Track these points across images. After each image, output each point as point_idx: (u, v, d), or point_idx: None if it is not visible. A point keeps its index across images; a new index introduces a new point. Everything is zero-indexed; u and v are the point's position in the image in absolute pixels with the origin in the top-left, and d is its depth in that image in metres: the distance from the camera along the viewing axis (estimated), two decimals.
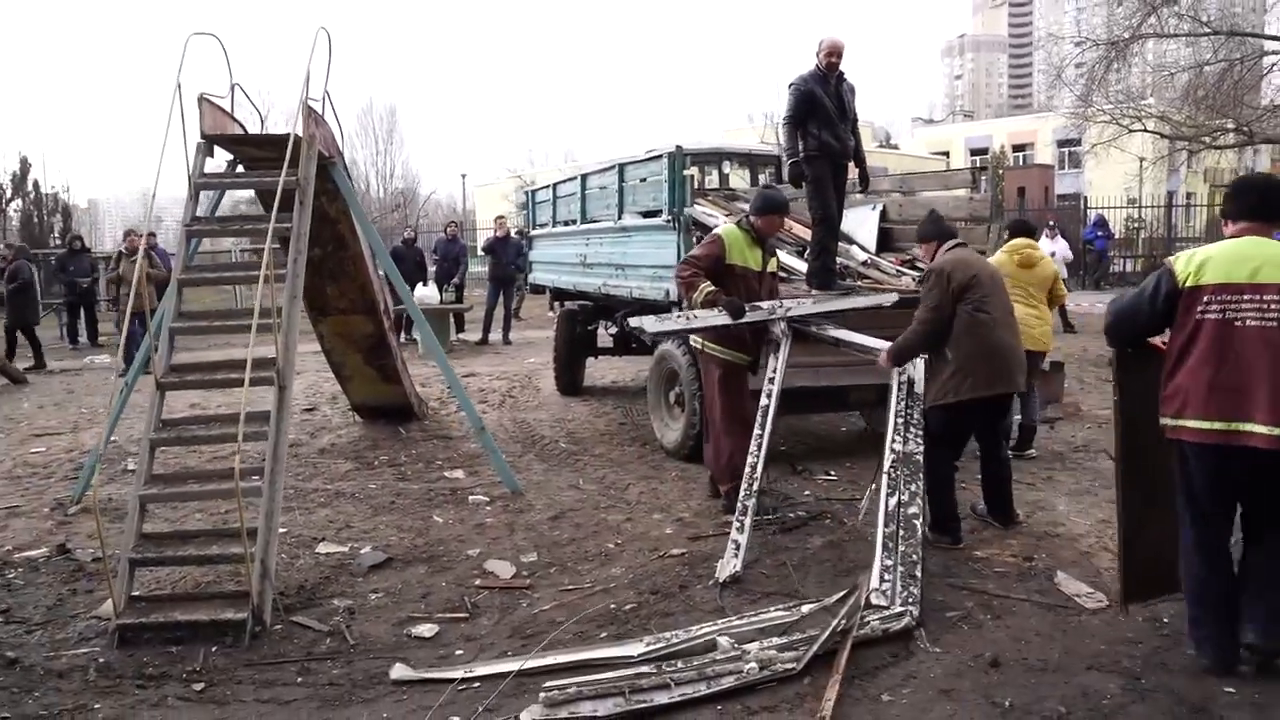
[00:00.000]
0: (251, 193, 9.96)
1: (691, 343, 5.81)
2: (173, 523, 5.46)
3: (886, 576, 4.04)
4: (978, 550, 4.74)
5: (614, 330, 9.06)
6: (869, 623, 3.77)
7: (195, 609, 4.02)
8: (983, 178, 7.15)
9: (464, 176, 43.38)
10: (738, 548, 4.56)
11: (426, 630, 4.00)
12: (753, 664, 3.44)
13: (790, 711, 3.25)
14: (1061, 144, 38.74)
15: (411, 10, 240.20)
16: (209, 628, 3.91)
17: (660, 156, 6.69)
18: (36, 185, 31.22)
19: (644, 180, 7.14)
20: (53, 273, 18.80)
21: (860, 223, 8.26)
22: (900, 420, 4.80)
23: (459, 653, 3.80)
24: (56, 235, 29.30)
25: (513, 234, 15.04)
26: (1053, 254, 13.73)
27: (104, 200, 76.71)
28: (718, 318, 5.28)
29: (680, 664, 3.42)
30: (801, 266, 6.87)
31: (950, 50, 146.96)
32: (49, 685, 3.60)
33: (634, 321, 5.28)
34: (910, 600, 3.95)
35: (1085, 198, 28.55)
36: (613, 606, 4.19)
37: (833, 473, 6.36)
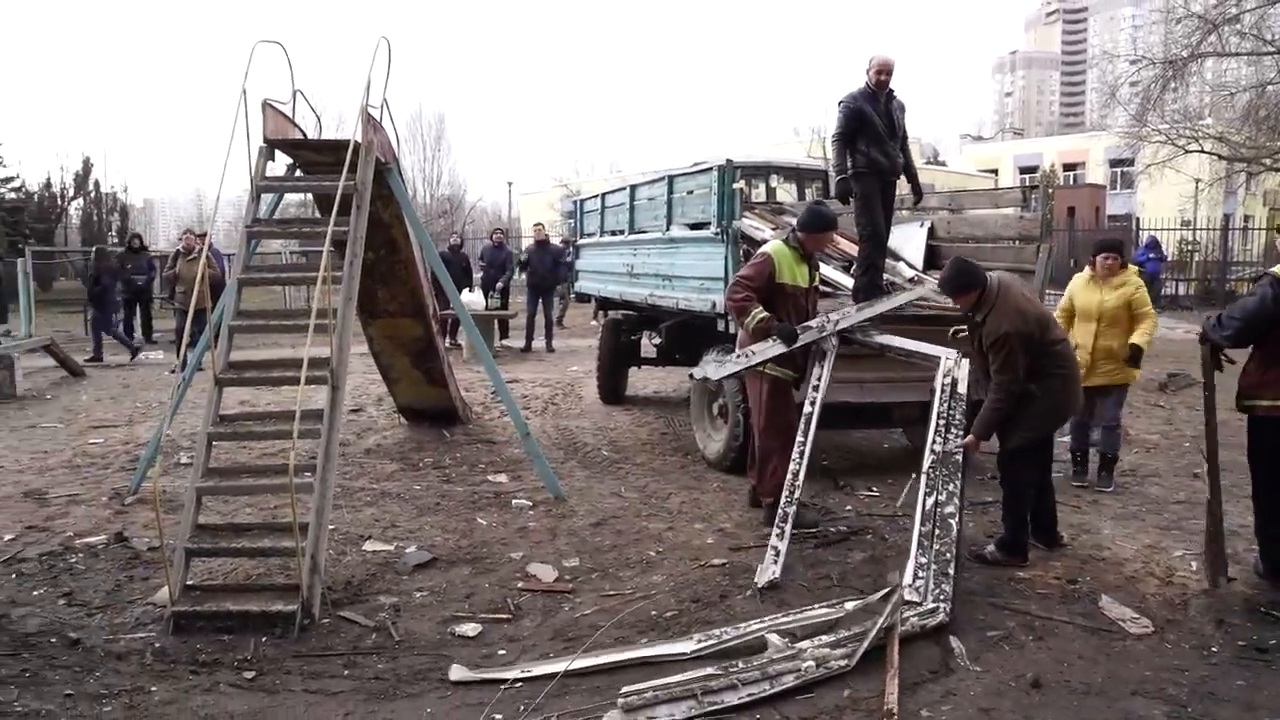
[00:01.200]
0: (300, 196, 10.18)
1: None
2: (224, 516, 5.60)
3: (920, 574, 4.20)
4: (1020, 571, 4.70)
5: (658, 340, 9.11)
6: (908, 619, 3.91)
7: (246, 600, 4.13)
8: (1033, 196, 7.10)
9: (510, 184, 43.86)
10: (777, 554, 4.63)
11: (470, 630, 4.08)
12: (810, 661, 3.55)
13: (852, 708, 3.33)
14: (1114, 164, 38.13)
15: (461, 19, 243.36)
16: (259, 618, 4.02)
17: (710, 169, 6.73)
18: (97, 185, 32.12)
19: (693, 192, 7.19)
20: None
21: (908, 239, 8.24)
22: (941, 421, 4.90)
23: (501, 653, 3.87)
24: (114, 234, 30.06)
25: (553, 241, 15.19)
26: None
27: (159, 200, 78.49)
28: (773, 348, 5.35)
29: (741, 663, 3.51)
30: (848, 282, 6.88)
31: (1001, 67, 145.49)
32: (108, 666, 3.73)
33: (696, 372, 5.34)
34: (942, 597, 4.07)
35: (1137, 219, 28.07)
36: (654, 613, 4.23)
37: (874, 489, 6.34)
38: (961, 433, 4.82)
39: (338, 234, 4.77)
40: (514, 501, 6.03)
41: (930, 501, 4.52)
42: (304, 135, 5.78)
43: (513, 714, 3.35)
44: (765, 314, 5.38)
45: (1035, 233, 6.86)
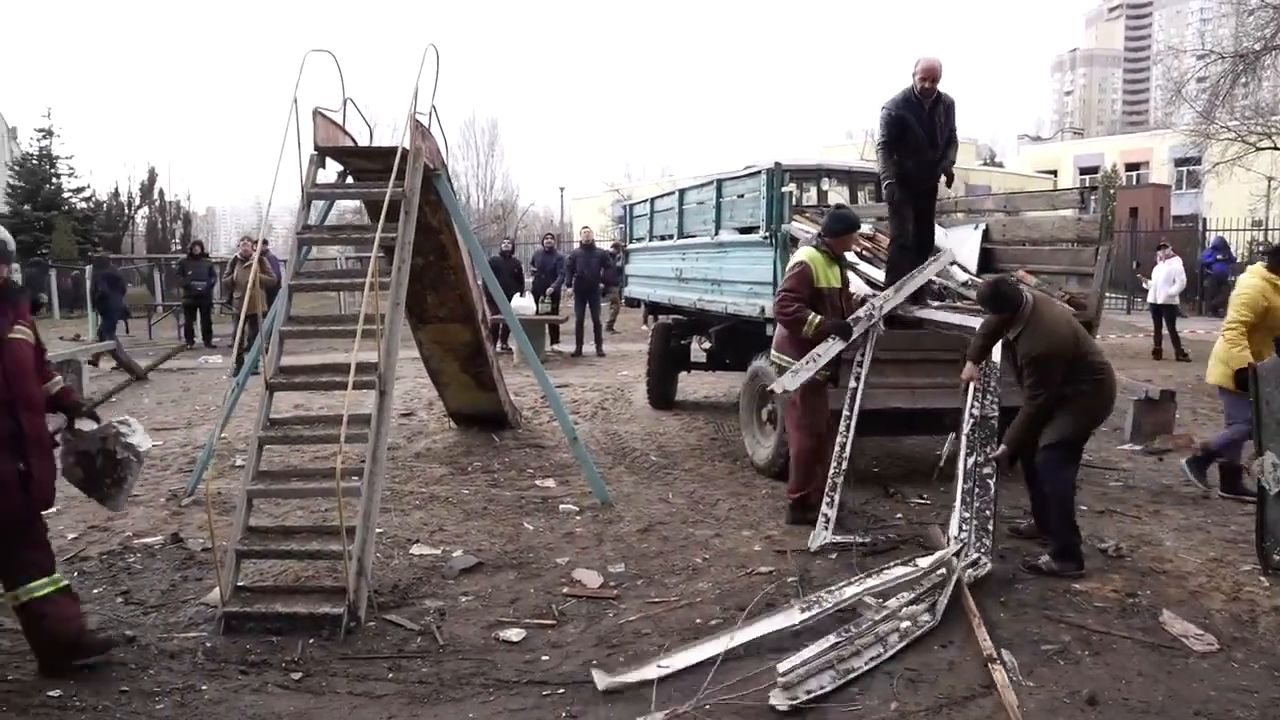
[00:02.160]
0: (357, 202, 10.35)
1: (773, 362, 5.84)
2: (275, 518, 5.70)
3: (964, 526, 4.62)
4: (1077, 583, 4.55)
5: (708, 345, 9.06)
6: (966, 571, 4.36)
7: (294, 602, 4.19)
8: (1092, 198, 6.90)
9: (562, 189, 44.17)
10: (828, 520, 5.11)
11: (514, 635, 4.08)
12: (906, 621, 3.99)
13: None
14: (1179, 163, 36.91)
15: (514, 25, 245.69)
16: (307, 620, 4.07)
17: (759, 173, 6.67)
18: (161, 194, 33.08)
19: (742, 196, 7.14)
20: (173, 276, 19.87)
21: (962, 242, 8.07)
22: (978, 387, 5.25)
23: (544, 659, 3.86)
24: (177, 241, 30.88)
25: (602, 245, 15.22)
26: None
27: (220, 207, 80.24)
28: (834, 345, 5.52)
29: (852, 627, 3.88)
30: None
31: (1060, 65, 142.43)
32: (162, 664, 3.82)
33: (775, 388, 5.46)
34: (984, 550, 4.56)
35: (1204, 219, 27.22)
36: (698, 621, 4.19)
37: (925, 496, 6.21)
38: (997, 399, 5.24)
39: (386, 240, 4.83)
40: (561, 506, 6.03)
41: (970, 461, 4.95)
42: (355, 143, 5.85)
43: (555, 718, 3.34)
44: (818, 317, 5.49)
45: (1094, 235, 6.67)
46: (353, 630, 4.06)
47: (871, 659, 3.72)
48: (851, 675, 3.61)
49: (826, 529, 5.08)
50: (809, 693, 3.46)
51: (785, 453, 6.46)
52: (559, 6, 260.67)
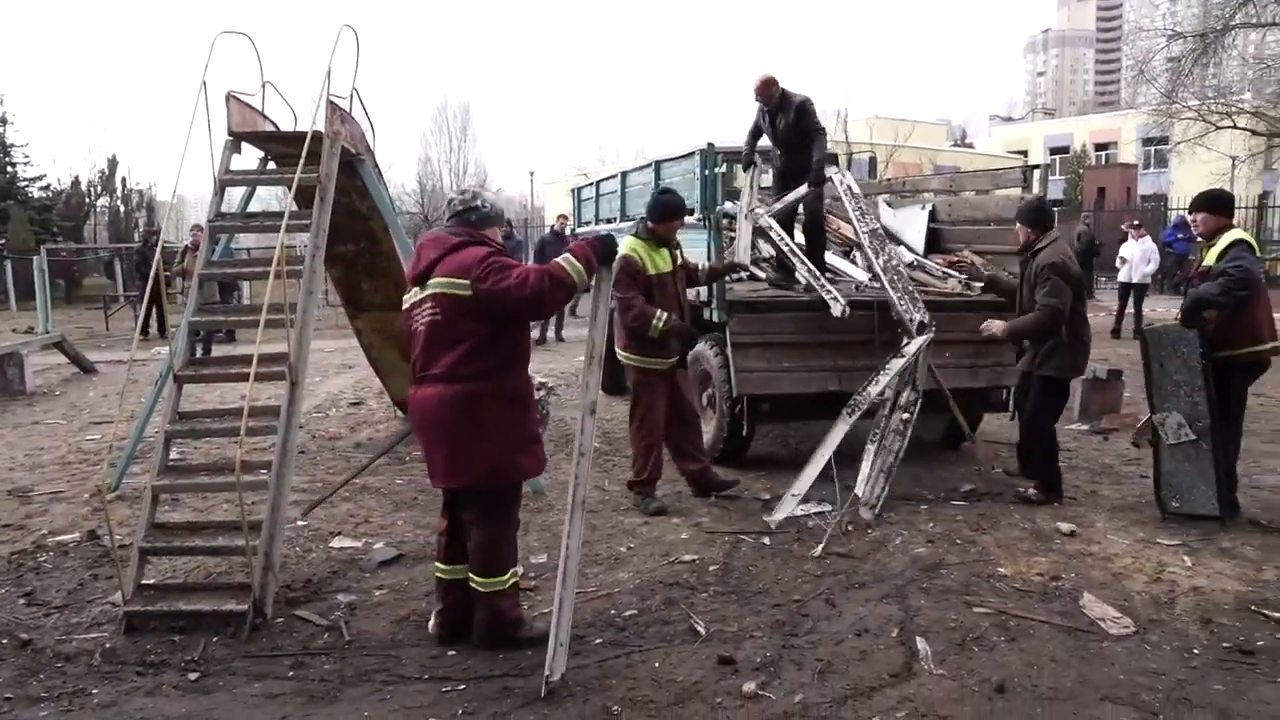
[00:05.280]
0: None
1: (618, 354, 5.82)
2: (201, 512, 5.56)
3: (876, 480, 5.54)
4: (1001, 566, 4.52)
5: None
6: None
7: (199, 599, 4.07)
8: (1034, 176, 6.85)
9: (532, 174, 43.88)
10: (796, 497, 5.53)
11: (425, 629, 3.98)
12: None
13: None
14: (1146, 142, 37.07)
15: (487, 8, 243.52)
16: (211, 618, 3.96)
17: (692, 154, 6.57)
18: (123, 182, 32.55)
19: (679, 178, 7.03)
20: (133, 266, 19.51)
21: (909, 223, 8.04)
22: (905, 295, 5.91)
23: (451, 653, 3.76)
24: (139, 230, 30.46)
25: (568, 232, 15.06)
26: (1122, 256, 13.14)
27: (191, 196, 79.20)
28: (674, 345, 5.70)
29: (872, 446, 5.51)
30: (848, 268, 6.84)
31: (1033, 45, 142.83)
32: (55, 668, 3.68)
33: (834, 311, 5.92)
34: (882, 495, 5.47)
35: (1165, 198, 27.38)
36: (612, 612, 4.11)
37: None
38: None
39: (297, 226, 4.69)
40: None
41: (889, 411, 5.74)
42: (276, 127, 5.69)
43: (449, 715, 3.25)
44: (665, 315, 5.41)
45: None
46: (258, 627, 3.95)
47: (896, 454, 5.41)
48: (891, 475, 5.34)
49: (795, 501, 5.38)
50: (879, 499, 5.11)
51: (725, 438, 6.42)
52: None
